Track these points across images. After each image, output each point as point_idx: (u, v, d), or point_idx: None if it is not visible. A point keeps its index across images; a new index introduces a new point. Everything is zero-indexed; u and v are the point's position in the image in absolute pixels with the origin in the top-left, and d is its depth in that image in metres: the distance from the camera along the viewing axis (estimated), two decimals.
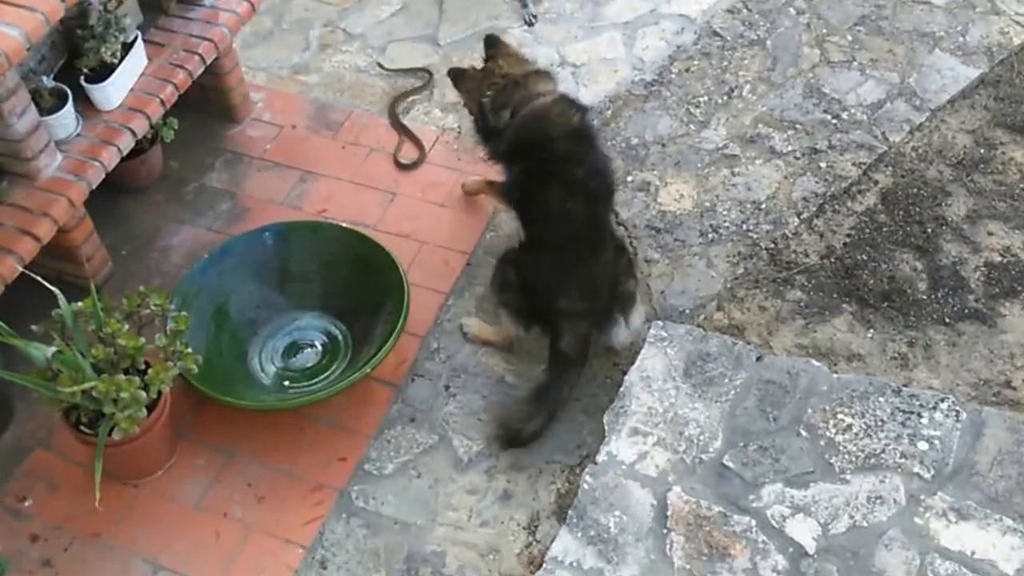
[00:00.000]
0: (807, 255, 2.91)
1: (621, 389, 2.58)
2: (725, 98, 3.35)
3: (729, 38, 3.53)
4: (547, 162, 2.60)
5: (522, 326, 2.65)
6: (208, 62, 2.96)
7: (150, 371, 2.32)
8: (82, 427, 2.35)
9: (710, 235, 2.97)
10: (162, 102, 2.83)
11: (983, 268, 2.86)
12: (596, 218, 2.59)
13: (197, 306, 2.62)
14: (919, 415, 2.48)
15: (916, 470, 2.40)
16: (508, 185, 2.76)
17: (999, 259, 2.88)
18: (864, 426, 2.47)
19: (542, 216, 2.60)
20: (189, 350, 2.36)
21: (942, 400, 2.51)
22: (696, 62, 3.45)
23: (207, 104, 3.21)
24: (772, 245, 2.94)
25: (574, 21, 3.64)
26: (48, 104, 2.66)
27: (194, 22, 2.97)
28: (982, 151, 3.14)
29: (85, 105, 2.76)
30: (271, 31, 3.64)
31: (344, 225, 2.84)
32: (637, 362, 2.62)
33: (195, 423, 2.61)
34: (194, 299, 2.64)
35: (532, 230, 2.66)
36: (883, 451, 2.43)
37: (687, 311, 2.79)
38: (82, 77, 2.73)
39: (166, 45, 2.93)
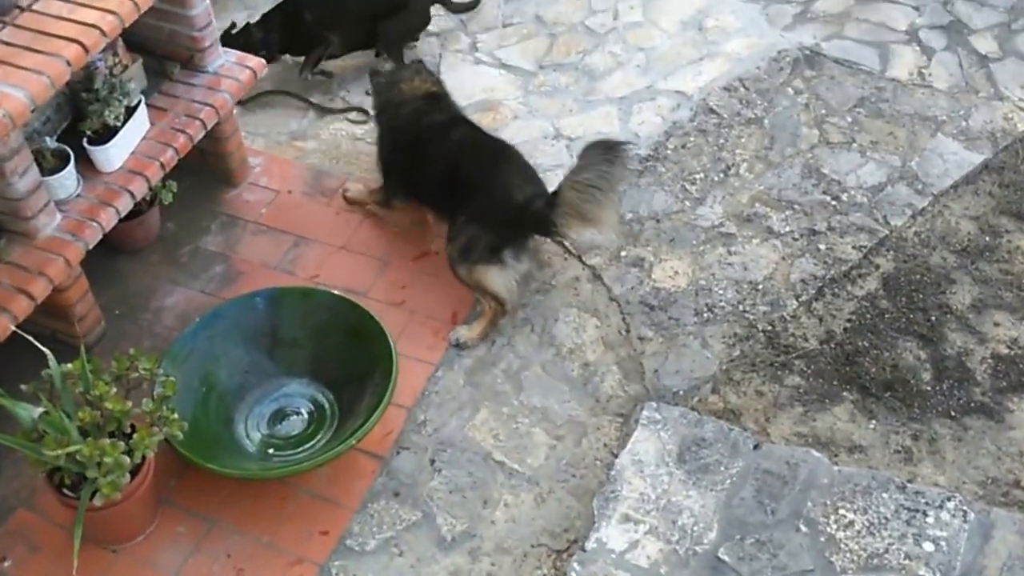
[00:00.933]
0: (806, 339, 2.85)
1: (612, 472, 2.51)
2: (722, 175, 3.32)
3: (726, 116, 3.51)
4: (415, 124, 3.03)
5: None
6: (209, 127, 2.98)
7: (135, 436, 2.29)
8: (65, 490, 2.31)
9: (705, 314, 2.92)
10: (162, 165, 2.85)
11: (990, 360, 2.78)
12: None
13: (186, 368, 2.60)
14: (924, 513, 2.38)
15: (921, 573, 2.29)
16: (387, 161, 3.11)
17: (1006, 351, 2.80)
18: (867, 523, 2.38)
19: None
20: (175, 416, 2.34)
21: (949, 499, 2.40)
22: (692, 139, 3.43)
23: (206, 167, 3.23)
24: (770, 327, 2.88)
25: (569, 94, 3.64)
26: (50, 164, 2.68)
27: (197, 88, 3.01)
28: (987, 238, 3.09)
29: (86, 166, 2.77)
30: (271, 98, 3.66)
31: (336, 292, 2.82)
32: (629, 445, 2.55)
33: (178, 487, 2.56)
34: (184, 362, 2.61)
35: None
36: (887, 551, 2.33)
37: (681, 392, 2.73)
38: (85, 139, 2.76)
39: (168, 110, 2.96)
